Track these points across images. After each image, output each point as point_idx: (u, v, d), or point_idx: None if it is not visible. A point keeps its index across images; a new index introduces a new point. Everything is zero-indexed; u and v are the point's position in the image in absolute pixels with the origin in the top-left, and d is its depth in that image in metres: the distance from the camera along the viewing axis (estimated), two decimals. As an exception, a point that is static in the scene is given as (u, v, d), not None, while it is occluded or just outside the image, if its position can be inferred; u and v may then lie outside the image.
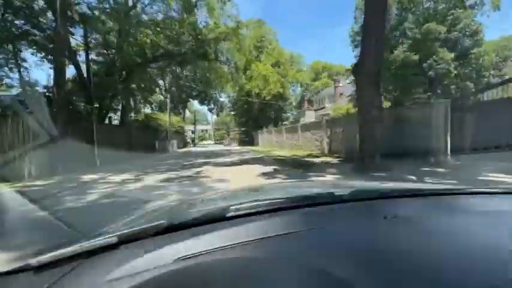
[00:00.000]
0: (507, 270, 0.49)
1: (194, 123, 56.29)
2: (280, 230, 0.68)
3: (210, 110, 49.77)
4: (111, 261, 0.58)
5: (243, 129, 56.67)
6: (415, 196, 1.02)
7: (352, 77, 20.33)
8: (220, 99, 49.62)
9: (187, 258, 0.56)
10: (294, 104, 53.21)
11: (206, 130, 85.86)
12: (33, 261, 0.56)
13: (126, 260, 0.57)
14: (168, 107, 28.95)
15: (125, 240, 0.63)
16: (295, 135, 21.87)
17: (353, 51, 46.11)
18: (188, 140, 64.76)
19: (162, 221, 0.69)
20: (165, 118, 27.11)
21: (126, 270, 0.53)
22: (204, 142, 77.07)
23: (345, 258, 0.53)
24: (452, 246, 0.60)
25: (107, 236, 0.64)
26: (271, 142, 29.91)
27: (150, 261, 0.56)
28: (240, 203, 0.85)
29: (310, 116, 35.96)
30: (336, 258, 0.52)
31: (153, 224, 0.69)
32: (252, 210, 0.78)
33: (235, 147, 38.54)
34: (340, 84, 34.63)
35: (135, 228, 0.69)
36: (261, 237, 0.64)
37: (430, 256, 0.55)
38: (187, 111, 59.62)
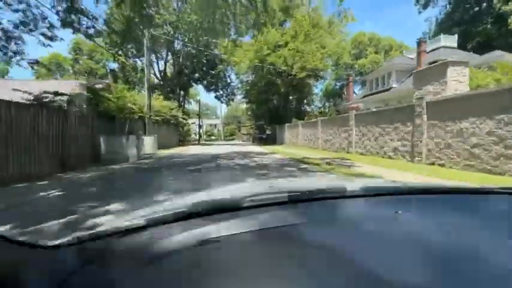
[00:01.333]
0: None
1: (199, 114, 45.66)
2: (294, 221, 0.72)
3: (219, 98, 39.02)
4: (140, 242, 0.65)
5: (259, 123, 46.19)
6: (426, 193, 1.05)
7: None
8: (232, 83, 38.56)
9: (208, 242, 0.60)
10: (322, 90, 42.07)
11: (215, 125, 75.68)
12: (75, 237, 0.63)
13: (153, 241, 0.63)
14: (146, 77, 18.07)
15: (152, 224, 0.69)
16: (340, 131, 15.61)
17: (420, 12, 33.51)
18: (192, 136, 54.98)
19: (184, 209, 0.75)
20: (142, 100, 16.54)
21: (153, 249, 0.60)
22: (213, 137, 66.77)
23: (355, 251, 0.54)
24: (463, 244, 0.61)
25: (136, 220, 0.71)
26: (301, 141, 22.59)
27: (175, 243, 0.61)
28: (255, 195, 0.90)
29: (365, 104, 24.90)
30: (347, 251, 0.54)
31: (176, 211, 0.75)
32: (267, 202, 0.82)
33: (249, 146, 27.83)
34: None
35: (160, 214, 0.75)
36: (275, 225, 0.68)
37: (440, 252, 0.56)
38: (191, 103, 49.63)
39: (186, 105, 44.90)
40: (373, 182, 1.55)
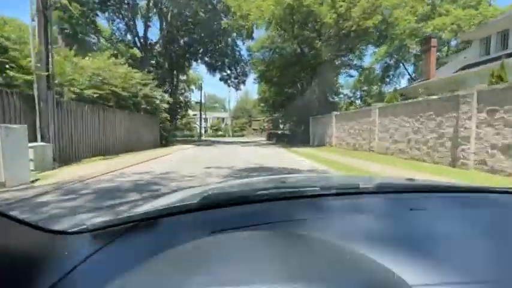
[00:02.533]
0: None
1: (200, 104, 35.79)
2: (306, 215, 0.71)
3: (225, 80, 28.89)
4: (152, 230, 0.67)
5: (274, 116, 36.30)
6: (442, 192, 1.04)
7: None
8: (242, 57, 28.32)
9: (220, 232, 0.61)
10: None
11: (223, 119, 65.69)
12: (90, 225, 0.66)
13: (166, 231, 0.66)
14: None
15: (165, 214, 0.70)
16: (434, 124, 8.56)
17: None
18: (192, 131, 45.54)
19: (195, 201, 0.74)
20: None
21: (164, 238, 0.62)
22: (220, 133, 57.02)
23: (369, 247, 0.54)
24: (480, 244, 0.60)
25: (149, 210, 0.74)
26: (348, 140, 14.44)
27: (187, 233, 0.63)
28: (268, 188, 0.92)
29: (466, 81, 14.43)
30: (361, 248, 0.53)
31: (188, 202, 0.77)
32: (279, 196, 0.83)
33: (273, 148, 17.89)
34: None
35: (172, 205, 0.77)
36: (286, 219, 0.68)
37: (455, 250, 0.56)
38: (193, 91, 39.94)
39: (187, 94, 35.47)
40: (386, 179, 1.54)
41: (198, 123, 61.17)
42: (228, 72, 28.19)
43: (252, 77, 38.04)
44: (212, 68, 28.00)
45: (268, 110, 36.00)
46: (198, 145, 19.96)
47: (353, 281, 0.41)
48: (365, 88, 33.94)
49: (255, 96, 50.06)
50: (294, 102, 27.61)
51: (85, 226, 0.66)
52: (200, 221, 0.69)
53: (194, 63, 29.44)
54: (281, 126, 36.90)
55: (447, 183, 1.41)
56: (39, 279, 0.49)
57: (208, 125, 59.98)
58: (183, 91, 34.23)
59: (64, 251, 0.58)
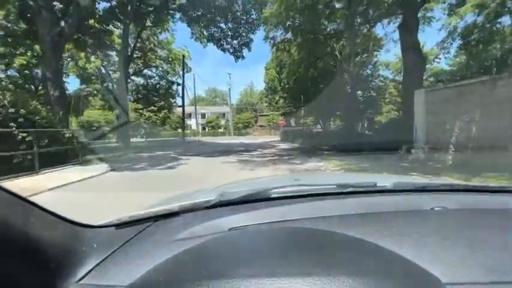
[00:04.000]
0: None
1: (183, 80, 24.49)
2: (319, 214, 0.71)
3: (236, 53, 17.63)
4: (174, 225, 0.70)
5: (290, 107, 25.50)
6: (459, 191, 1.02)
7: None
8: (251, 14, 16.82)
9: (238, 229, 0.63)
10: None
11: (223, 114, 54.60)
12: (115, 220, 0.69)
13: (186, 226, 0.67)
14: None
15: (184, 210, 0.74)
16: None
17: None
18: (193, 129, 34.91)
19: (213, 198, 0.78)
20: None
21: (186, 233, 0.63)
22: (220, 131, 46.06)
23: (385, 245, 0.53)
24: (496, 242, 0.59)
25: (170, 205, 0.78)
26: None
27: (206, 228, 0.65)
28: (283, 186, 0.93)
29: None
30: (378, 246, 0.53)
31: (207, 199, 0.79)
32: (294, 194, 0.84)
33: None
34: None
35: (192, 201, 0.80)
36: (302, 217, 0.69)
37: (479, 249, 0.54)
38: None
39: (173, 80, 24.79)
40: (403, 178, 1.50)
41: (192, 120, 50.87)
42: (223, 27, 16.88)
43: (258, 60, 26.95)
44: (191, 20, 16.73)
45: (284, 99, 24.95)
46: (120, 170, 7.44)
47: (388, 277, 0.41)
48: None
49: (261, 87, 39.41)
50: (330, 84, 16.68)
51: (111, 220, 0.69)
52: (218, 218, 0.70)
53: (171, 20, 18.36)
54: (304, 121, 25.82)
55: (465, 184, 1.40)
56: (70, 270, 0.50)
57: (203, 121, 48.97)
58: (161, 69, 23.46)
59: (93, 243, 0.59)
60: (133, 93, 25.84)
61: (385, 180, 1.12)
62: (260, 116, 51.52)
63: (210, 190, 1.09)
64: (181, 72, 30.00)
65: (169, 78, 26.01)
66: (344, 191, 0.87)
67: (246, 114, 50.24)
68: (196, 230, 0.65)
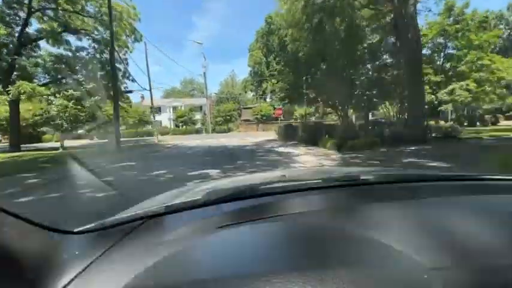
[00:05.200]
0: None
1: (111, 61, 14.85)
2: (307, 208, 0.71)
3: None
4: (161, 227, 0.68)
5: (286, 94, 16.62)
6: (442, 181, 1.04)
7: None
8: None
9: (225, 227, 0.61)
10: None
11: (200, 107, 44.77)
12: (98, 224, 0.65)
13: (174, 227, 0.66)
14: None
15: (171, 211, 0.72)
16: None
17: None
18: (153, 127, 25.77)
19: (201, 197, 0.76)
20: None
21: (174, 235, 0.62)
22: (198, 127, 36.86)
23: (371, 237, 0.54)
24: (480, 231, 0.60)
25: (156, 207, 0.73)
26: None
27: (195, 228, 0.63)
28: (269, 182, 0.92)
29: None
30: (363, 238, 0.54)
31: (193, 199, 0.78)
32: (281, 190, 0.83)
33: None
34: None
35: (179, 201, 0.78)
36: (288, 213, 0.68)
37: (453, 236, 0.56)
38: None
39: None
40: (386, 170, 1.55)
41: (162, 114, 40.68)
42: None
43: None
44: None
45: (283, 81, 16.29)
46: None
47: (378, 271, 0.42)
48: None
49: (243, 76, 30.58)
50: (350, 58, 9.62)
51: (93, 225, 0.65)
52: (207, 216, 0.69)
53: None
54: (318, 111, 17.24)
55: (449, 173, 1.44)
56: (50, 280, 0.48)
57: (174, 115, 39.20)
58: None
59: (74, 250, 0.57)
60: (43, 69, 16.06)
61: (370, 172, 1.15)
62: (244, 109, 42.54)
63: (198, 189, 1.06)
64: (129, 43, 20.22)
65: (102, 48, 16.55)
66: (330, 184, 0.88)
67: (227, 105, 40.86)
68: (184, 230, 0.63)
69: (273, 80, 19.49)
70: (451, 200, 0.80)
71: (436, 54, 23.72)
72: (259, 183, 0.92)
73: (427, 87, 19.00)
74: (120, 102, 15.98)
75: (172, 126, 39.29)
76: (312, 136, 12.18)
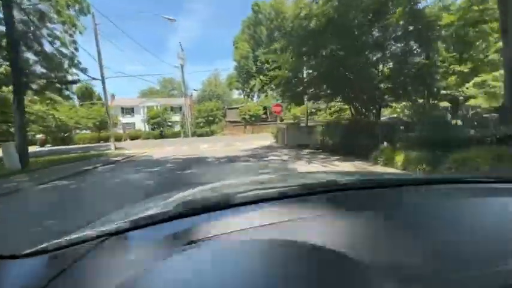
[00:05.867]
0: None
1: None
2: (284, 217, 0.69)
3: None
4: (123, 246, 0.60)
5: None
6: (419, 185, 1.02)
7: None
8: None
9: (196, 242, 0.57)
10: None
11: (179, 108, 38.78)
12: (50, 244, 0.57)
13: (138, 245, 0.59)
14: None
15: (136, 226, 0.64)
16: None
17: None
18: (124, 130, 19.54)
19: (170, 209, 0.70)
20: None
21: (138, 254, 0.55)
22: (177, 130, 31.25)
23: (349, 244, 0.54)
24: (457, 233, 0.61)
25: (118, 222, 0.65)
26: None
27: (161, 245, 0.58)
28: (245, 191, 0.87)
29: None
30: (340, 245, 0.53)
31: (162, 211, 0.71)
32: (257, 198, 0.79)
33: None
34: None
35: (145, 215, 0.70)
36: (266, 223, 0.65)
37: (437, 243, 0.56)
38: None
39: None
40: (364, 175, 1.45)
41: (135, 116, 33.33)
42: None
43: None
44: None
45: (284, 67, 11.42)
46: None
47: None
48: None
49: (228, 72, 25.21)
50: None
51: (42, 246, 0.58)
52: (177, 231, 0.63)
53: None
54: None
55: (428, 177, 1.32)
56: None
57: (148, 117, 33.34)
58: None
59: (17, 278, 0.50)
60: None
61: (348, 177, 1.13)
62: (229, 109, 37.28)
63: (168, 200, 0.98)
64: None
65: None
66: (304, 192, 0.86)
67: (209, 103, 35.44)
68: (148, 248, 0.57)
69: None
70: (433, 204, 0.79)
71: None
72: (234, 192, 0.87)
73: None
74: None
75: (147, 129, 33.26)
76: (348, 141, 7.34)
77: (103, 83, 14.64)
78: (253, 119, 31.03)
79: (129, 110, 44.98)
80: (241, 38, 38.94)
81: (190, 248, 0.54)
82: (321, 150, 9.42)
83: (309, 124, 13.17)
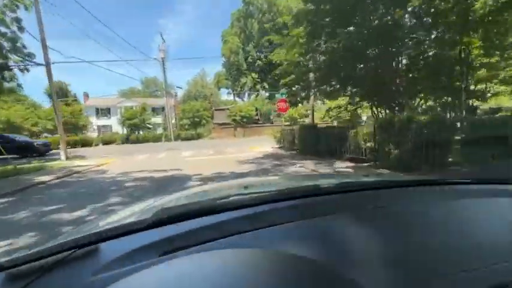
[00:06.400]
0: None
1: None
2: (267, 222, 0.67)
3: None
4: (94, 259, 0.55)
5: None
6: (401, 187, 1.02)
7: None
8: None
9: (173, 252, 0.54)
10: None
11: (162, 108, 34.64)
12: (7, 260, 0.51)
13: (112, 257, 0.54)
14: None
15: (106, 238, 0.60)
16: None
17: None
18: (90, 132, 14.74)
19: (147, 217, 0.65)
20: None
21: (112, 267, 0.51)
22: (158, 132, 27.06)
23: (331, 249, 0.53)
24: (439, 234, 0.61)
25: (86, 234, 0.60)
26: None
27: (135, 257, 0.53)
28: (227, 197, 0.85)
29: None
30: (323, 250, 0.52)
31: (138, 220, 0.67)
32: (239, 204, 0.77)
33: None
34: None
35: (117, 225, 0.65)
36: (248, 229, 0.63)
37: (419, 245, 0.56)
38: None
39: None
40: (346, 178, 1.48)
41: (111, 118, 28.27)
42: None
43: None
44: None
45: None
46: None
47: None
48: None
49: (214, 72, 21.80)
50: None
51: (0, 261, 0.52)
52: (155, 240, 0.59)
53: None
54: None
55: (409, 179, 1.38)
56: None
57: (124, 118, 29.03)
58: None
59: None
60: None
61: (329, 181, 1.12)
62: (217, 110, 33.64)
63: (146, 207, 0.93)
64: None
65: None
66: (287, 197, 0.84)
67: (196, 103, 31.67)
68: (120, 261, 0.52)
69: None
70: (415, 206, 0.79)
71: None
72: (215, 197, 0.85)
73: None
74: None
75: (125, 132, 29.03)
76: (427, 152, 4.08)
77: (48, 69, 10.80)
78: (244, 120, 27.59)
79: (105, 111, 40.24)
80: (231, 32, 35.49)
81: (167, 258, 0.51)
82: (375, 163, 6.09)
83: (326, 125, 9.91)
